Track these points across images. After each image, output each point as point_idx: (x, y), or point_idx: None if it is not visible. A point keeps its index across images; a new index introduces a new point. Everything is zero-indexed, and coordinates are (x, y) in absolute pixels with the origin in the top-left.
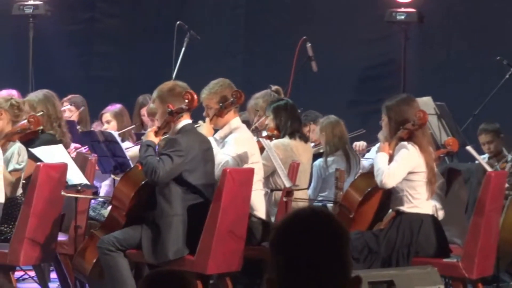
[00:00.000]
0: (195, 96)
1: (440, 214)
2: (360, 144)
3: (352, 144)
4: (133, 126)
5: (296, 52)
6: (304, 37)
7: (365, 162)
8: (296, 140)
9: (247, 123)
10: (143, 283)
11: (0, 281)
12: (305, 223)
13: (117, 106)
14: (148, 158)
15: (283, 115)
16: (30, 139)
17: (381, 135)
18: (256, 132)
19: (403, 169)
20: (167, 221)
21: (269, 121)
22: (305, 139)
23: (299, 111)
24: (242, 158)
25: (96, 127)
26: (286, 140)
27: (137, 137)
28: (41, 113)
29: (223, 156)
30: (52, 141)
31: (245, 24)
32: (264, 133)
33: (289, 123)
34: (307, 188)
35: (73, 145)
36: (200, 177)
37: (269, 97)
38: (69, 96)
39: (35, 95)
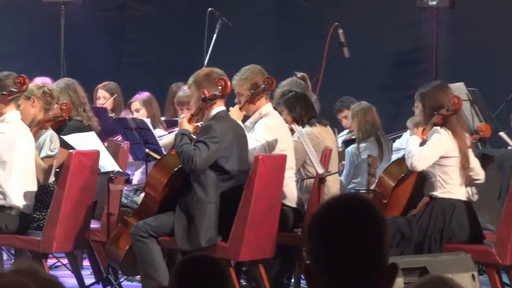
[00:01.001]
0: (229, 83)
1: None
2: None
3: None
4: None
5: (328, 39)
6: (336, 23)
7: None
8: (316, 126)
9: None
10: (176, 268)
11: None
12: (343, 209)
13: (145, 94)
14: (184, 146)
15: (296, 106)
16: (59, 127)
17: (409, 122)
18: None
19: (434, 153)
20: (202, 208)
21: (285, 115)
22: (324, 123)
23: (314, 101)
24: (270, 144)
25: (125, 115)
26: (307, 128)
27: (170, 124)
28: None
29: (254, 142)
30: (80, 127)
31: (277, 10)
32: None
33: (304, 112)
34: (338, 173)
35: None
36: (235, 163)
37: (295, 85)
38: (104, 83)
39: (56, 85)
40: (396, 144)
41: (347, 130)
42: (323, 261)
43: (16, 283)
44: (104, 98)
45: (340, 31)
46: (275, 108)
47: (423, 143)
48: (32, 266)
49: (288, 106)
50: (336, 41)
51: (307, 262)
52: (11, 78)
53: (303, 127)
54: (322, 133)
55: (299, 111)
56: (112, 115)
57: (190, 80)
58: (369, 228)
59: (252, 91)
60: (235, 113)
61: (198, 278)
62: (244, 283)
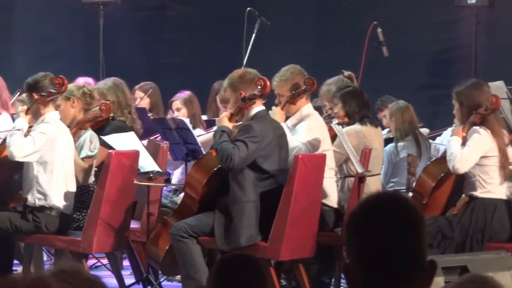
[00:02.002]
0: (268, 82)
1: None
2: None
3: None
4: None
5: (367, 38)
6: (375, 22)
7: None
8: (367, 126)
9: (320, 109)
10: (216, 267)
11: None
12: (381, 207)
13: (186, 93)
14: (223, 144)
15: (352, 102)
16: (101, 126)
17: (456, 122)
18: (329, 118)
19: (475, 154)
20: (240, 208)
21: (338, 108)
22: (375, 124)
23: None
24: (313, 145)
25: (168, 115)
26: (357, 126)
27: (211, 124)
28: (112, 101)
29: (296, 143)
30: (122, 127)
31: (316, 9)
32: (335, 120)
33: (358, 109)
34: (380, 174)
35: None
36: (274, 163)
37: (341, 83)
38: (141, 84)
39: (104, 83)
40: (437, 141)
41: (387, 129)
42: (362, 259)
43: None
44: (141, 99)
45: (379, 30)
46: (315, 108)
47: (463, 141)
48: (74, 267)
49: (344, 100)
50: (375, 40)
51: (347, 261)
52: (48, 78)
53: (353, 123)
54: (371, 134)
55: (353, 106)
56: (150, 115)
57: (225, 83)
58: (407, 226)
59: (293, 92)
60: (278, 115)
61: (237, 276)
62: (284, 283)
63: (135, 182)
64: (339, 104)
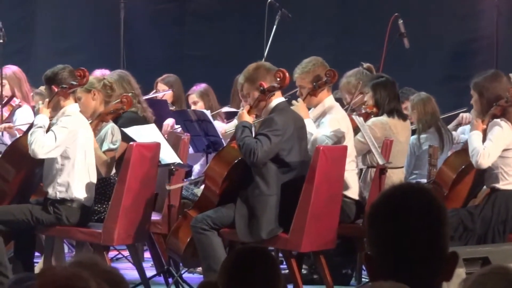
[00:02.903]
0: (287, 74)
1: None
2: (465, 116)
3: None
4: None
5: (388, 29)
6: (396, 14)
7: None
8: (394, 118)
9: (340, 101)
10: (229, 259)
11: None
12: (403, 197)
13: (201, 86)
14: (246, 139)
15: (382, 93)
16: (114, 119)
17: (473, 112)
18: (350, 110)
19: (498, 147)
20: (263, 201)
21: (368, 98)
22: (404, 117)
23: None
24: (339, 138)
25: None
26: (384, 118)
27: (230, 116)
28: (131, 94)
29: (321, 137)
30: (135, 118)
31: (337, 0)
32: (361, 111)
33: (388, 101)
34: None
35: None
36: (296, 155)
37: (361, 75)
38: (163, 76)
39: (110, 77)
40: (458, 132)
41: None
42: (383, 250)
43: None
44: (164, 91)
45: (400, 21)
46: (337, 100)
47: (483, 134)
48: (92, 258)
49: (375, 89)
50: (396, 32)
51: (368, 252)
52: (67, 70)
53: (381, 114)
54: (398, 126)
55: (383, 97)
56: (173, 108)
57: (241, 79)
58: (429, 216)
59: (314, 83)
60: (302, 109)
61: (250, 268)
62: (305, 272)
63: (167, 188)
64: (369, 93)
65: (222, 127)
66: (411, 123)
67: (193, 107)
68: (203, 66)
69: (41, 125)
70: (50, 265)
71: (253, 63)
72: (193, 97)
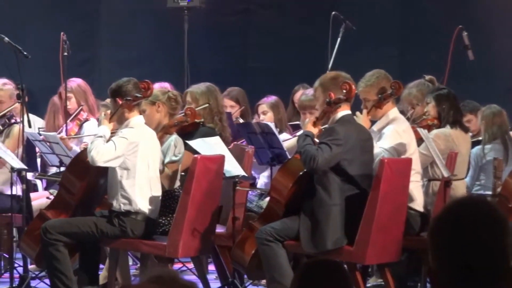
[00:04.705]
0: (353, 86)
1: None
2: None
3: None
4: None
5: (452, 41)
6: (460, 26)
7: None
8: (457, 130)
9: (402, 113)
10: (300, 271)
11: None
12: (465, 211)
13: (272, 98)
14: (307, 146)
15: (445, 104)
16: (189, 132)
17: None
18: (414, 122)
19: None
20: (326, 211)
21: (431, 108)
22: (465, 129)
23: None
24: (398, 151)
25: (254, 119)
26: (447, 129)
27: (295, 128)
28: (205, 105)
29: (378, 150)
30: (211, 134)
31: (401, 13)
32: (422, 123)
33: (451, 112)
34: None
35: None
36: (358, 167)
37: (423, 87)
38: (228, 90)
39: (198, 87)
40: None
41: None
42: (446, 263)
43: None
44: (231, 107)
45: (465, 33)
46: (401, 112)
47: None
48: (172, 273)
49: (438, 100)
50: (460, 44)
51: (431, 265)
52: (132, 83)
53: (443, 126)
54: (460, 138)
55: (446, 109)
56: (241, 121)
57: (316, 83)
58: (491, 230)
59: (380, 96)
60: (363, 121)
61: (321, 282)
62: (369, 285)
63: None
64: (431, 103)
65: (287, 142)
66: (475, 135)
67: (262, 117)
68: (266, 78)
69: (101, 135)
70: (111, 280)
71: (333, 71)
72: (263, 107)
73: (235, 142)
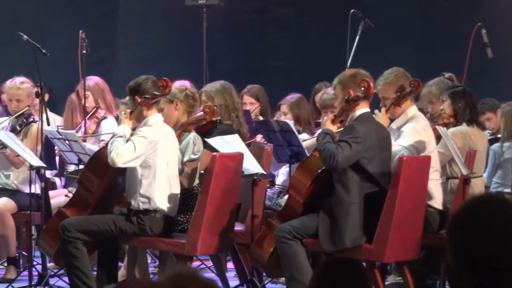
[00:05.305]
0: (372, 84)
1: None
2: None
3: None
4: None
5: (471, 39)
6: (479, 24)
7: None
8: (473, 128)
9: (422, 111)
10: (319, 269)
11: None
12: (483, 209)
13: (294, 96)
14: (326, 144)
15: (461, 102)
16: (208, 130)
17: None
18: (432, 120)
19: None
20: (345, 209)
21: (446, 106)
22: (482, 126)
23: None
24: (417, 148)
25: (277, 117)
26: (464, 127)
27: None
28: (220, 104)
29: (398, 148)
30: (229, 131)
31: (419, 10)
32: (438, 121)
33: (468, 110)
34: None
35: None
36: (377, 165)
37: (442, 85)
38: (248, 87)
39: (213, 86)
40: None
41: (489, 132)
42: (464, 261)
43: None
44: (250, 103)
45: (483, 31)
46: (420, 110)
47: None
48: (192, 271)
49: (453, 98)
50: (479, 42)
51: (448, 264)
52: (150, 81)
53: (459, 124)
54: (477, 136)
55: (462, 106)
56: (261, 119)
57: (335, 81)
58: (509, 228)
59: (398, 94)
60: (382, 119)
61: (340, 280)
62: (387, 283)
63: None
64: (447, 101)
65: (306, 141)
66: (495, 132)
67: (282, 117)
68: (284, 76)
69: (121, 134)
70: (130, 277)
71: (352, 68)
72: (283, 107)
73: (253, 140)
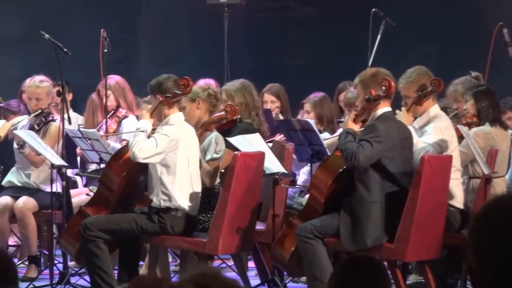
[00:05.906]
0: (393, 83)
1: None
2: None
3: None
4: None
5: (493, 38)
6: (501, 23)
7: None
8: (496, 128)
9: (445, 109)
10: (338, 268)
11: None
12: (505, 209)
13: (317, 95)
14: (348, 143)
15: (484, 101)
16: (228, 129)
17: None
18: (456, 119)
19: None
20: (366, 208)
21: (469, 106)
22: (505, 126)
23: None
24: (442, 147)
25: (300, 116)
26: (486, 127)
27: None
28: (240, 103)
29: (423, 145)
30: (249, 130)
31: (441, 10)
32: (461, 121)
33: (491, 109)
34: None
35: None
36: (398, 164)
37: (469, 84)
38: (269, 86)
39: (232, 85)
40: None
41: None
42: (485, 261)
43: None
44: (271, 102)
45: (505, 30)
46: (443, 109)
47: None
48: (215, 270)
49: (477, 98)
50: (501, 41)
51: (470, 263)
52: (172, 80)
53: (483, 124)
54: (500, 136)
55: (486, 106)
56: (282, 118)
57: (356, 80)
58: None
59: (420, 93)
60: (404, 117)
61: (358, 278)
62: (409, 282)
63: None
64: (470, 101)
65: (327, 141)
66: None
67: (305, 116)
68: (305, 75)
69: (143, 129)
70: (141, 275)
71: (373, 67)
72: (306, 106)
73: (274, 138)
